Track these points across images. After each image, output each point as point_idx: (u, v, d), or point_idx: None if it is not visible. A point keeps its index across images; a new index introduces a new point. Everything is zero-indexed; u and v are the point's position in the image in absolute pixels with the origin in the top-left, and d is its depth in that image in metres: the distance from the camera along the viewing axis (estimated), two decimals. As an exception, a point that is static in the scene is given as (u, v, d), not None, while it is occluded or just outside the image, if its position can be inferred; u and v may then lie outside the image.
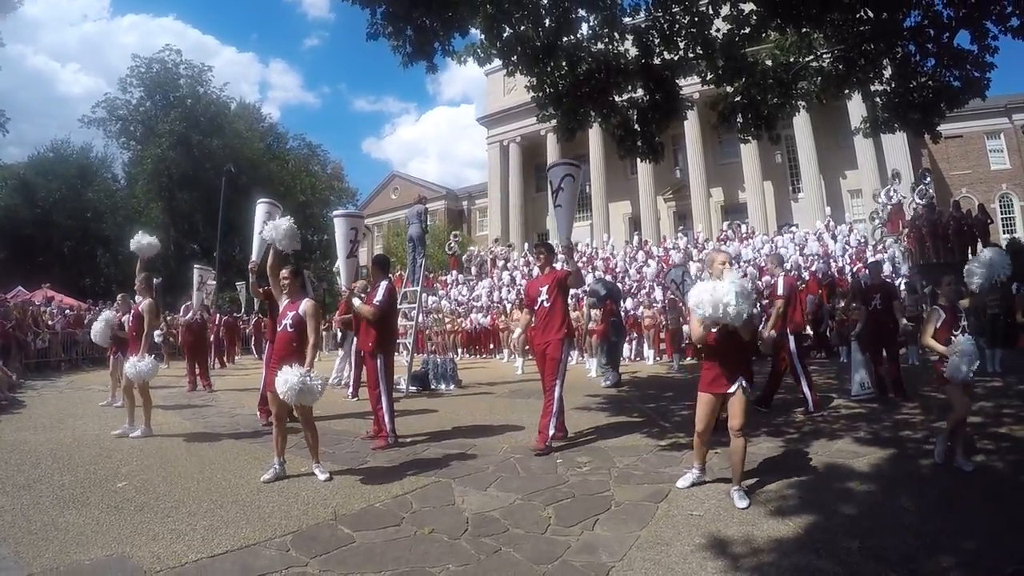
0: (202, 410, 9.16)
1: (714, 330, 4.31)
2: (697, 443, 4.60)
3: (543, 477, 5.07)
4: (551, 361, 6.16)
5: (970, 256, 16.62)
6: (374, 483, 4.91)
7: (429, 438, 6.72)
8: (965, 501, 4.15)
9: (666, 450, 5.88)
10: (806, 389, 7.63)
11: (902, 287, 14.93)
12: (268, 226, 5.79)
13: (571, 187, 6.42)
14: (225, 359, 19.17)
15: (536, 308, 6.35)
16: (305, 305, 5.09)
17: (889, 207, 21.35)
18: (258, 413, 7.76)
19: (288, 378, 4.69)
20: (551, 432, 6.06)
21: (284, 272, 5.31)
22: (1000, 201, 33.01)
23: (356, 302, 6.67)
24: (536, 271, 7.36)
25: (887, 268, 17.64)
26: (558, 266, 6.79)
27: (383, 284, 6.64)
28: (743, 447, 4.29)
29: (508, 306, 20.95)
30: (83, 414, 8.58)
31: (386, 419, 6.37)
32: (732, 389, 4.28)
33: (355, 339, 8.02)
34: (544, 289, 6.30)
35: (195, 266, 13.74)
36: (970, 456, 4.97)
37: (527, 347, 6.67)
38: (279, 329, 5.19)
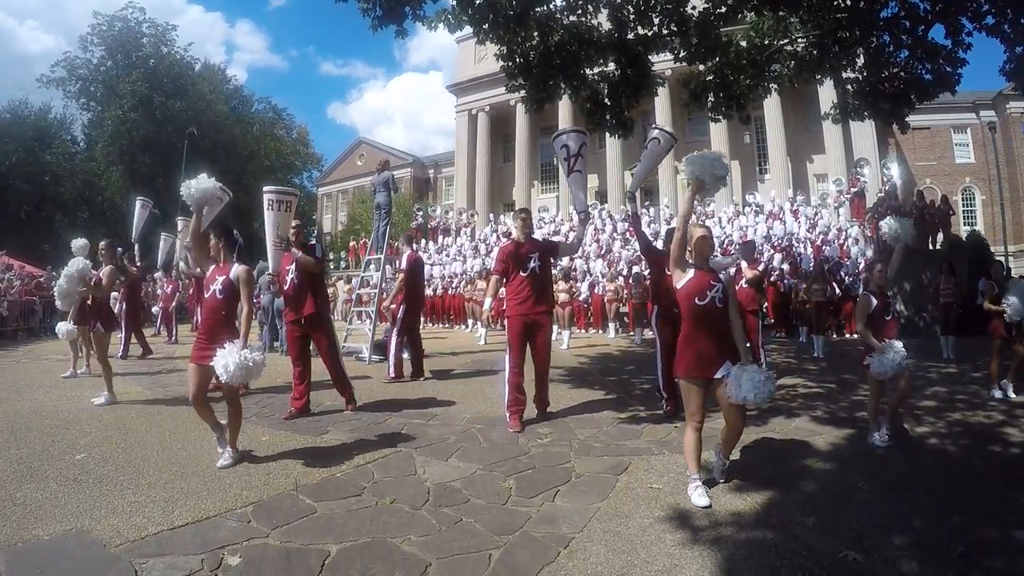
0: (163, 378, 9.02)
1: (700, 301, 3.94)
2: (693, 440, 3.94)
3: (504, 448, 5.10)
4: (545, 339, 6.19)
5: (930, 246, 17.17)
6: (335, 453, 4.90)
7: (391, 407, 6.71)
8: (918, 482, 4.25)
9: (626, 423, 5.97)
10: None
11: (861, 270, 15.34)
12: (189, 187, 4.91)
13: (587, 155, 6.54)
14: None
15: (526, 275, 6.04)
16: (238, 269, 4.66)
17: (851, 192, 21.80)
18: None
19: (228, 360, 4.29)
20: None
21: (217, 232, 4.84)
22: (963, 194, 34.00)
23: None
24: (510, 237, 7.05)
25: (854, 251, 18.07)
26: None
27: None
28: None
29: (470, 275, 20.47)
30: (40, 385, 8.36)
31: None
32: (719, 374, 3.89)
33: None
34: (536, 256, 6.10)
35: (138, 198, 12.08)
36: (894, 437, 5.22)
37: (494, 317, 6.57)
38: (207, 295, 4.73)
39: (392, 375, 8.60)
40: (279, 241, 6.12)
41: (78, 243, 8.74)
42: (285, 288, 6.57)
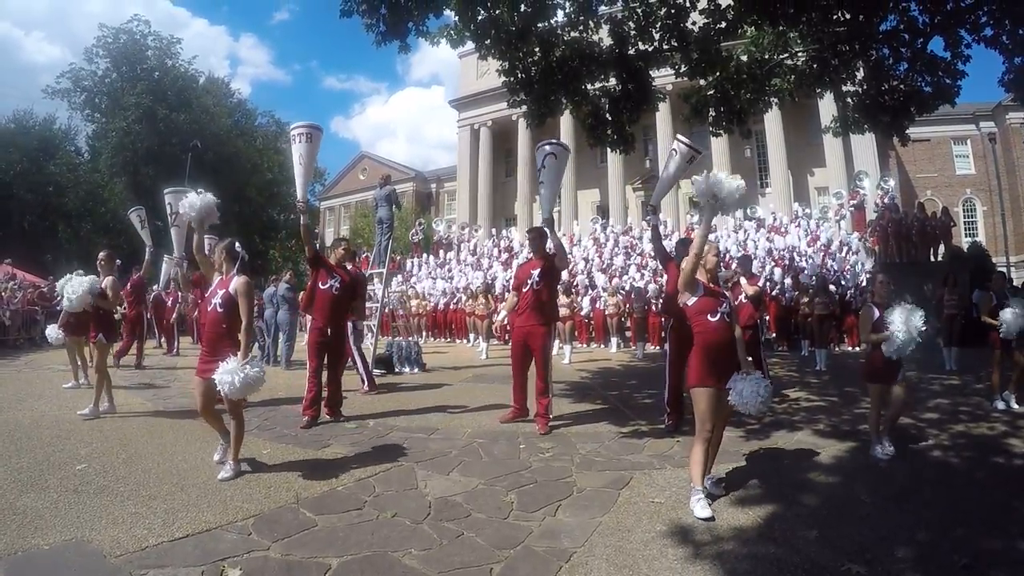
0: (163, 390, 9.01)
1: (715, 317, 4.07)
2: (701, 451, 3.95)
3: (506, 462, 5.10)
4: (539, 350, 6.35)
5: (931, 257, 17.21)
6: (337, 466, 4.89)
7: (392, 421, 6.71)
8: (921, 494, 4.26)
9: (628, 437, 5.95)
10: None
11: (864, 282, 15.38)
12: (185, 202, 5.03)
13: (552, 165, 6.60)
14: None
15: (526, 290, 6.42)
16: (236, 282, 4.65)
17: (851, 205, 21.84)
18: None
19: (225, 376, 4.30)
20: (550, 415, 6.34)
21: (220, 246, 4.94)
22: (964, 205, 34.15)
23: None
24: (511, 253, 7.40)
25: (852, 260, 18.09)
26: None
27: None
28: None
29: (473, 290, 20.30)
30: (42, 394, 8.36)
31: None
32: (729, 386, 3.98)
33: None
34: (536, 272, 6.40)
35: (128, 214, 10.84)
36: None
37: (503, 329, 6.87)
38: (208, 309, 4.74)
39: (367, 388, 8.66)
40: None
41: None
42: (323, 288, 6.76)
